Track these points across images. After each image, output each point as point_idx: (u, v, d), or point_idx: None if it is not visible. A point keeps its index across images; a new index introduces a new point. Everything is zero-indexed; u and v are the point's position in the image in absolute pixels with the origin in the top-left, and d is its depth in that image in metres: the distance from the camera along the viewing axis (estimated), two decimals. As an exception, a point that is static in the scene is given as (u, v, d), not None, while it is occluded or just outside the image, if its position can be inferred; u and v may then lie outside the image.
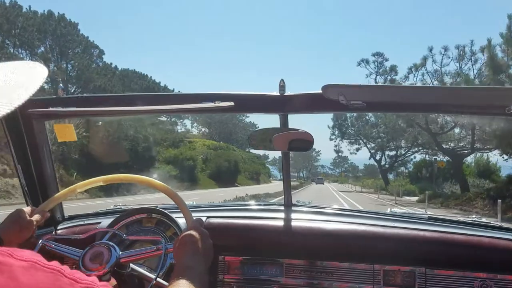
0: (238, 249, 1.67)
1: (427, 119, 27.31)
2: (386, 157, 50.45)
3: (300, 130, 1.48)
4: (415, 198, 31.75)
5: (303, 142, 1.50)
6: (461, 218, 1.74)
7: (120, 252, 1.26)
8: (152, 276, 1.27)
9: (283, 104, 1.47)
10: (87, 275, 1.23)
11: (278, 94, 1.44)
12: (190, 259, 1.10)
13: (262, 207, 1.87)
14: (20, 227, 1.27)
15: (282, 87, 1.44)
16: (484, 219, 1.73)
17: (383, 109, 1.41)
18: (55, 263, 0.63)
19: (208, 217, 1.69)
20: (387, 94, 1.28)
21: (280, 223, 1.66)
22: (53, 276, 0.60)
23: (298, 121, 1.56)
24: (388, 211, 1.84)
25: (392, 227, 1.60)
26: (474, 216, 1.80)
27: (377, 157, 50.01)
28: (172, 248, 1.24)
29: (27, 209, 1.33)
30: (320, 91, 1.32)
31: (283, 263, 1.62)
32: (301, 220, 1.68)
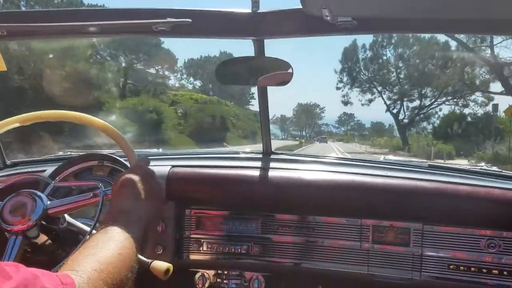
0: (207, 202, 1.45)
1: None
2: (406, 110, 38.52)
3: (277, 59, 1.20)
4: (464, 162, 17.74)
5: (281, 75, 1.23)
6: (468, 167, 1.50)
7: (48, 202, 1.02)
8: (87, 228, 1.05)
9: (256, 25, 1.18)
10: (8, 230, 1.02)
11: (250, 11, 1.15)
12: (127, 202, 0.94)
13: (236, 155, 1.61)
14: None
15: (255, 2, 1.15)
16: (495, 168, 1.49)
17: (380, 29, 1.13)
18: None
19: (173, 166, 1.45)
20: (390, 7, 0.99)
21: (256, 172, 1.42)
22: None
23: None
24: (381, 159, 1.60)
25: (384, 177, 1.36)
26: (483, 164, 1.55)
27: (394, 110, 39.00)
28: (111, 195, 1.03)
29: None
30: (300, 6, 1.04)
31: (259, 218, 1.41)
32: (280, 169, 1.44)
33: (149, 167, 1.11)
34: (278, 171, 1.43)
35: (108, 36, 1.05)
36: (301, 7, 1.03)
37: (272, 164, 1.48)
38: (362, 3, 0.99)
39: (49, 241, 1.05)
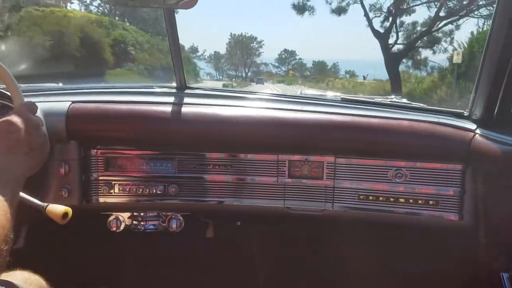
0: (116, 141, 1.35)
1: None
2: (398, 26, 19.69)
3: None
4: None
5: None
6: (379, 99, 1.52)
7: None
8: None
9: None
10: None
11: None
12: (3, 157, 0.82)
13: (145, 89, 1.49)
14: None
15: None
16: (405, 100, 1.53)
17: None
18: None
19: (73, 101, 1.31)
20: None
21: (168, 108, 1.33)
22: None
23: None
24: (298, 93, 1.57)
25: (298, 111, 1.34)
26: (393, 96, 1.59)
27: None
28: None
29: None
30: None
31: (174, 157, 1.34)
32: (194, 105, 1.36)
33: (36, 115, 0.97)
34: (192, 107, 1.34)
35: None
36: None
37: (186, 100, 1.39)
38: None
39: None
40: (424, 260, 1.47)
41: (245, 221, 1.51)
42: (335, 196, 1.33)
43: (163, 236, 1.48)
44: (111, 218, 1.44)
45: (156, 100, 1.38)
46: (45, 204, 0.97)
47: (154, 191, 1.35)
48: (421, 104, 1.48)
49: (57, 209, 0.94)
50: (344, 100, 1.44)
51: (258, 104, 1.39)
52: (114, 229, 1.44)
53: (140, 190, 1.35)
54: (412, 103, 1.47)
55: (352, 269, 1.49)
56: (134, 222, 1.48)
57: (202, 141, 1.34)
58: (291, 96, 1.48)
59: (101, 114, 1.31)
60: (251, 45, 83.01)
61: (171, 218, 1.45)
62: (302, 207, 1.35)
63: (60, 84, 1.58)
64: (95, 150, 1.33)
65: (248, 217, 1.47)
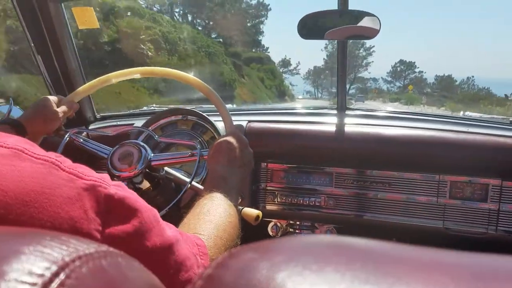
0: (283, 156, 1.50)
1: None
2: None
3: (363, 12, 1.19)
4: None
5: (366, 29, 1.22)
6: None
7: (152, 155, 1.12)
8: (187, 179, 1.13)
9: None
10: (116, 175, 1.12)
11: None
12: (225, 169, 0.97)
13: (311, 110, 1.64)
14: (45, 116, 1.13)
15: None
16: None
17: None
18: (49, 153, 0.45)
19: (249, 121, 1.51)
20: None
21: (331, 128, 1.45)
22: (44, 168, 0.42)
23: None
24: (461, 114, 1.57)
25: (464, 133, 1.35)
26: None
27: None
28: (207, 156, 1.09)
29: (53, 98, 1.18)
30: None
31: (332, 172, 1.45)
32: (356, 125, 1.46)
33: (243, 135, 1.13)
34: (355, 127, 1.45)
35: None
36: None
37: (347, 120, 1.50)
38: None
39: (150, 187, 1.15)
40: None
41: (401, 238, 1.54)
42: (499, 220, 1.30)
43: None
44: (271, 224, 1.60)
45: (320, 120, 1.51)
46: (241, 207, 1.14)
47: (313, 202, 1.47)
48: None
49: (251, 212, 1.05)
50: None
51: (420, 125, 1.43)
52: (272, 234, 1.60)
53: (301, 200, 1.48)
54: None
55: None
56: (290, 229, 1.61)
57: (363, 159, 1.42)
58: (455, 117, 1.49)
59: (273, 132, 1.48)
60: (357, 52, 68.13)
61: (326, 229, 1.56)
62: (463, 229, 1.34)
63: (234, 106, 1.81)
64: (265, 163, 1.50)
65: (405, 234, 1.50)
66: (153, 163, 1.11)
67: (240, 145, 1.04)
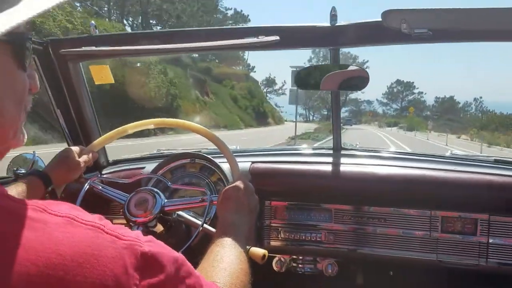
0: (285, 194, 1.60)
1: None
2: None
3: (352, 66, 1.32)
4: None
5: (356, 79, 1.35)
6: None
7: (165, 200, 1.22)
8: (199, 222, 1.23)
9: (334, 36, 1.31)
10: (133, 221, 1.22)
11: (329, 24, 1.28)
12: (233, 215, 1.04)
13: (310, 151, 1.76)
14: (69, 167, 1.24)
15: (333, 16, 1.27)
16: None
17: (454, 38, 1.22)
18: (95, 218, 0.55)
19: (253, 162, 1.62)
20: (461, 19, 1.08)
21: (329, 167, 1.56)
22: (92, 232, 0.51)
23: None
24: (448, 154, 1.68)
25: (453, 171, 1.45)
26: None
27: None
28: (216, 201, 1.19)
29: (75, 148, 1.29)
30: (379, 19, 1.15)
31: (331, 209, 1.55)
32: (351, 164, 1.57)
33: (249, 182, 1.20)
34: (350, 166, 1.56)
35: (215, 50, 1.19)
36: (380, 20, 1.15)
37: (343, 160, 1.61)
38: (438, 17, 1.09)
39: (163, 230, 1.25)
40: None
41: (397, 271, 1.62)
42: (489, 252, 1.39)
43: (319, 280, 1.66)
44: (275, 260, 1.68)
45: (317, 160, 1.62)
46: (248, 247, 1.23)
47: (314, 238, 1.56)
48: None
49: (257, 251, 1.10)
50: (497, 161, 1.51)
51: (412, 164, 1.54)
52: (277, 269, 1.67)
53: (303, 236, 1.57)
54: None
55: None
56: (294, 264, 1.69)
57: (360, 196, 1.53)
58: (443, 156, 1.60)
59: (274, 172, 1.59)
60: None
61: (327, 263, 1.64)
62: (455, 261, 1.43)
63: (238, 147, 1.93)
64: (268, 201, 1.60)
65: (400, 268, 1.58)
66: (166, 208, 1.21)
67: (247, 192, 1.11)
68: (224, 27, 1.36)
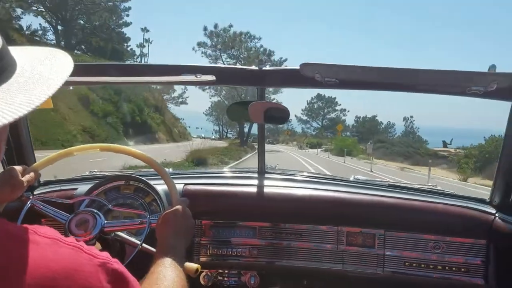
0: (214, 214, 1.76)
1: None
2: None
3: (276, 103, 1.55)
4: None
5: (279, 112, 1.58)
6: (418, 186, 1.91)
7: (105, 221, 1.31)
8: (137, 241, 1.33)
9: (261, 78, 1.53)
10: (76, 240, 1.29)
11: (257, 68, 1.49)
12: (172, 238, 1.13)
13: (237, 174, 1.96)
14: (12, 186, 1.25)
15: (260, 61, 1.49)
16: (439, 187, 1.91)
17: (354, 87, 1.50)
18: (72, 240, 0.68)
19: (185, 184, 1.76)
20: (360, 73, 1.37)
21: (253, 189, 1.76)
22: (74, 252, 0.65)
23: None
24: (351, 178, 1.98)
25: (356, 193, 1.74)
26: (430, 184, 1.98)
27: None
28: (155, 224, 1.28)
29: (18, 168, 1.30)
30: (297, 68, 1.39)
31: (256, 226, 1.74)
32: (273, 186, 1.79)
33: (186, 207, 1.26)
34: (272, 188, 1.77)
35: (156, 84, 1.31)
36: (298, 68, 1.39)
37: (266, 182, 1.82)
38: (344, 71, 1.36)
39: (101, 248, 1.33)
40: None
41: (309, 280, 1.85)
42: (385, 262, 1.68)
43: None
44: (203, 274, 1.81)
45: (244, 182, 1.82)
46: None
47: (240, 253, 1.73)
48: (453, 191, 1.86)
49: (191, 266, 1.17)
50: (391, 186, 1.84)
51: (323, 187, 1.80)
52: (204, 283, 1.81)
53: (229, 252, 1.74)
54: (445, 190, 1.85)
55: None
56: (220, 277, 1.84)
57: (279, 214, 1.74)
58: (348, 180, 1.89)
59: (205, 194, 1.75)
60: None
61: (250, 275, 1.82)
62: (358, 270, 1.69)
63: (171, 170, 2.05)
64: (199, 220, 1.74)
65: (312, 277, 1.82)
66: (106, 228, 1.30)
67: (184, 216, 1.22)
68: (168, 64, 1.47)
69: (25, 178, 1.29)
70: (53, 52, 0.77)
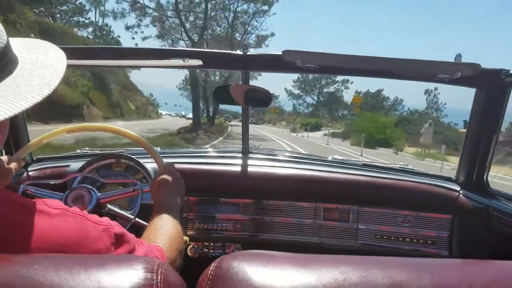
0: (200, 191, 1.87)
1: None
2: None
3: (259, 87, 1.64)
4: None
5: (260, 95, 1.67)
6: (390, 165, 2.05)
7: (99, 194, 1.40)
8: (130, 215, 1.43)
9: (245, 62, 1.61)
10: None
11: (242, 53, 1.58)
12: (168, 197, 1.24)
13: (221, 154, 2.06)
14: (0, 175, 1.31)
15: (245, 46, 1.57)
16: (410, 166, 2.05)
17: (334, 72, 1.60)
18: (77, 209, 0.77)
19: (173, 162, 1.85)
20: (337, 60, 1.47)
21: (238, 168, 1.87)
22: (80, 220, 0.75)
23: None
24: (330, 158, 2.11)
25: (332, 172, 1.86)
26: (401, 163, 2.12)
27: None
28: (147, 189, 1.39)
29: (4, 157, 1.37)
30: (280, 53, 1.48)
31: (239, 203, 1.85)
32: (256, 166, 1.90)
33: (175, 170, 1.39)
34: (255, 167, 1.88)
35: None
36: (280, 54, 1.48)
37: (249, 162, 1.93)
38: (323, 59, 1.46)
39: None
40: None
41: (289, 252, 1.98)
42: (358, 235, 1.82)
43: None
44: (190, 247, 1.94)
45: (229, 162, 1.92)
46: None
47: (225, 227, 1.86)
48: (422, 170, 2.00)
49: None
50: (365, 165, 1.97)
51: (303, 166, 1.92)
52: (191, 254, 1.93)
53: (215, 226, 1.86)
54: (415, 169, 1.99)
55: None
56: (205, 250, 1.97)
57: (262, 192, 1.86)
58: (326, 160, 2.02)
59: (191, 172, 1.84)
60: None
61: (234, 248, 1.94)
62: (333, 243, 1.83)
63: (158, 149, 2.13)
64: (187, 197, 1.85)
65: (291, 248, 1.94)
66: (101, 200, 1.40)
67: (174, 178, 1.32)
68: (157, 47, 1.55)
69: (11, 166, 1.34)
70: (35, 41, 0.81)
